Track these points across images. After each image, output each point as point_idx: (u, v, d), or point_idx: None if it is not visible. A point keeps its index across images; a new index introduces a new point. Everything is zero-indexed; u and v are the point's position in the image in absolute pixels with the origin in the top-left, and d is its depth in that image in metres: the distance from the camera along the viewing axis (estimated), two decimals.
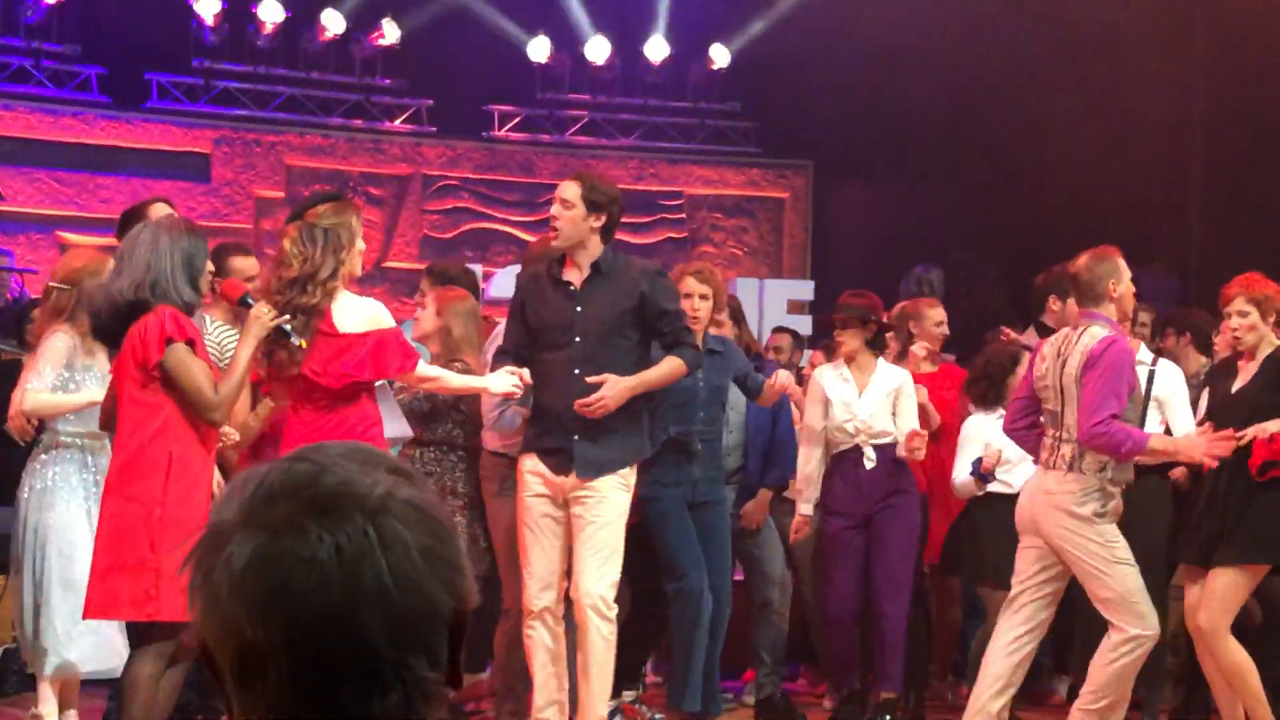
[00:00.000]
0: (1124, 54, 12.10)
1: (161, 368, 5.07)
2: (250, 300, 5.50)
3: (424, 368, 5.90)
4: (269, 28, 12.69)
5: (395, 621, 1.30)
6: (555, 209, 6.22)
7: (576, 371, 6.16)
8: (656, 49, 13.49)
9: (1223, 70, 12.28)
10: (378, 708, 1.32)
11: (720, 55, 13.54)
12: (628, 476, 6.24)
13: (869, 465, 7.37)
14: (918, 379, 7.88)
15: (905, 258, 11.70)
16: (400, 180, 13.24)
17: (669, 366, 6.25)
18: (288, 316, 5.46)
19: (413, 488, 1.36)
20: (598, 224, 6.19)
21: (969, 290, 11.31)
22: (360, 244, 5.67)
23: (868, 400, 7.39)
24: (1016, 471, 7.36)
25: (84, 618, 5.38)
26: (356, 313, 5.58)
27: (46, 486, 6.20)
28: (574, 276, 6.25)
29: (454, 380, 6.04)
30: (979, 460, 7.26)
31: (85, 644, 6.14)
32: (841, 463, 7.41)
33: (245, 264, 7.06)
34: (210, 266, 5.36)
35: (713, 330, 7.18)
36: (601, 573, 6.12)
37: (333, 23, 12.81)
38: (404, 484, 1.36)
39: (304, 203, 5.80)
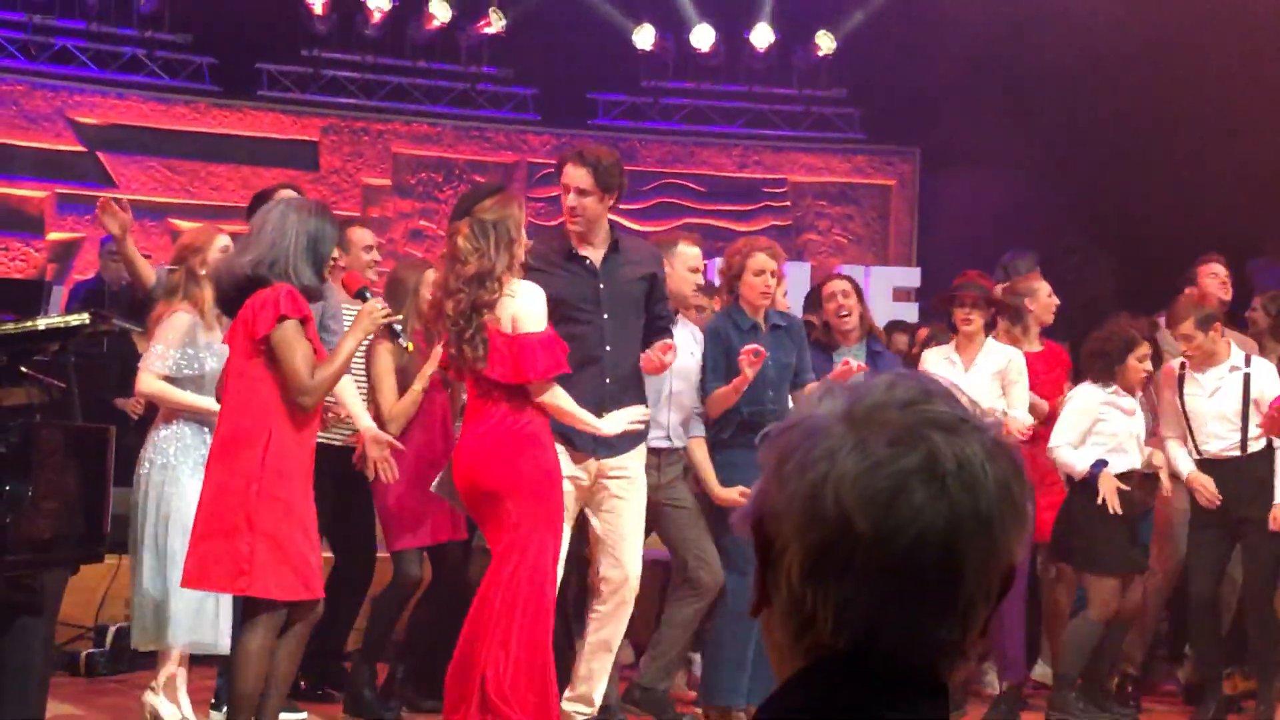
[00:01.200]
0: (1235, 41, 11.91)
1: (268, 342, 5.13)
2: (369, 294, 5.56)
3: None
4: (377, 17, 12.79)
5: (983, 554, 1.32)
6: (572, 199, 6.20)
7: (608, 348, 6.19)
8: (761, 36, 13.44)
9: None
10: (941, 634, 1.33)
11: (825, 41, 13.46)
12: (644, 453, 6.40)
13: None
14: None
15: (1011, 245, 11.52)
16: (506, 168, 13.30)
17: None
18: (399, 317, 5.57)
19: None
20: (612, 202, 6.28)
21: (1080, 278, 11.15)
22: (524, 236, 5.71)
23: (973, 379, 7.36)
24: (1124, 456, 7.31)
25: (181, 586, 5.46)
26: (528, 309, 5.63)
27: (168, 462, 6.26)
28: (591, 253, 6.27)
29: (575, 412, 5.80)
30: (1103, 462, 7.19)
31: (206, 620, 6.20)
32: None
33: (362, 235, 7.16)
34: (336, 252, 5.40)
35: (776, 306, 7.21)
36: (639, 553, 6.33)
37: (440, 11, 12.87)
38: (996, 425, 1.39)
39: (468, 197, 5.85)
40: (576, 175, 6.17)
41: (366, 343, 6.45)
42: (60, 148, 12.21)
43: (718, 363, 6.90)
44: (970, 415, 1.35)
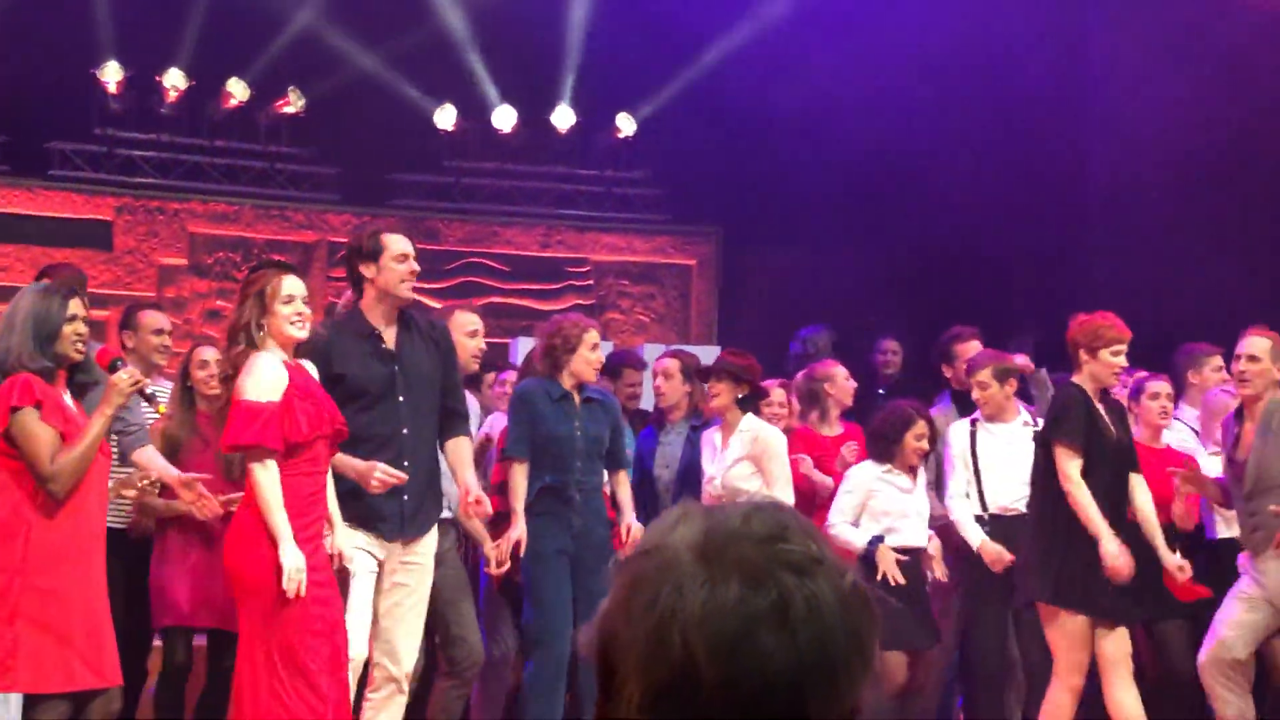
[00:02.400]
0: (1011, 124, 12.32)
1: (7, 436, 5.08)
2: (119, 364, 5.53)
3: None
4: (173, 95, 12.65)
5: (827, 702, 1.30)
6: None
7: (405, 432, 6.16)
8: (563, 117, 13.58)
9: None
10: None
11: (626, 124, 13.64)
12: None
13: None
14: (822, 442, 7.99)
15: (811, 323, 11.72)
16: (306, 247, 13.19)
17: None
18: (147, 382, 5.53)
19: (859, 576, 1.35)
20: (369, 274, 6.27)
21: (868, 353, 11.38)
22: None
23: (729, 456, 7.44)
24: (897, 535, 7.46)
25: None
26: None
27: None
28: (386, 334, 6.25)
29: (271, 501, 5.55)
30: (879, 538, 7.32)
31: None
32: None
33: (152, 319, 7.07)
34: (79, 328, 5.34)
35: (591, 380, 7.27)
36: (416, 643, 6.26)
37: (238, 90, 12.79)
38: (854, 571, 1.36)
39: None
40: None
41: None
42: None
43: (521, 428, 6.94)
44: (825, 555, 1.33)
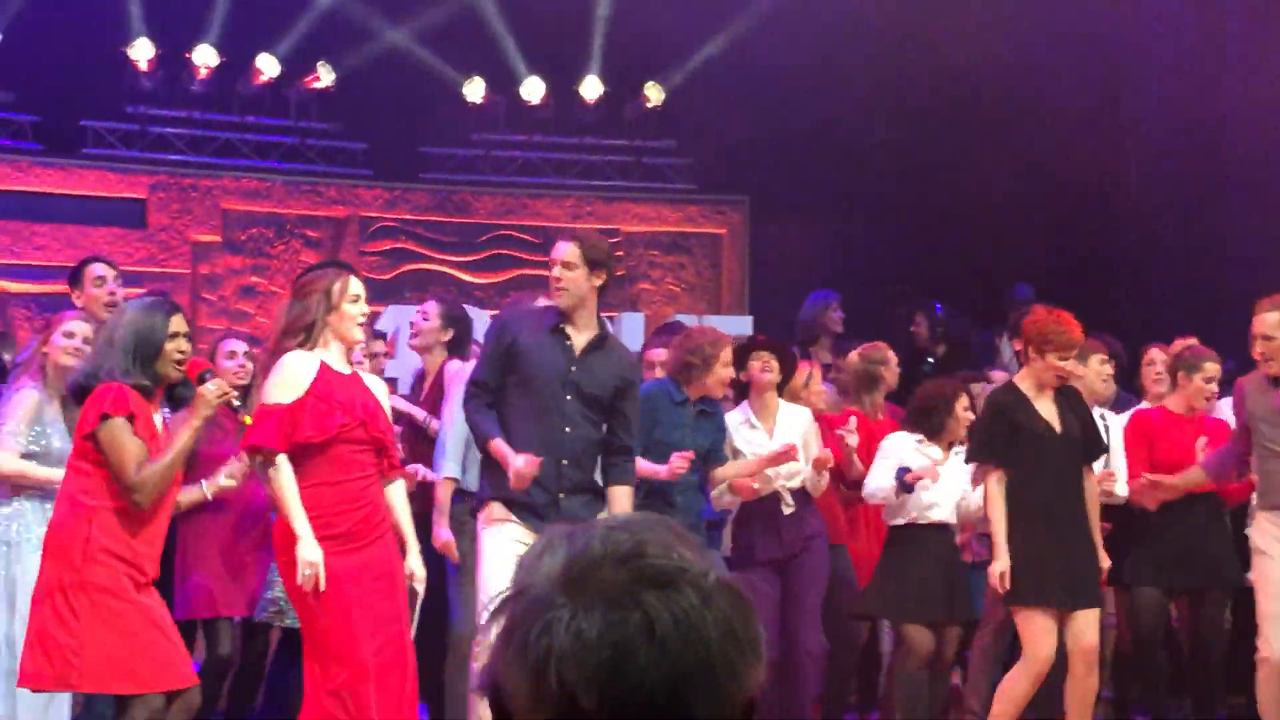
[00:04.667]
0: (1049, 102, 12.29)
1: (94, 440, 5.15)
2: (207, 376, 5.57)
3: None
4: (203, 72, 12.74)
5: (717, 700, 1.31)
6: (557, 271, 6.25)
7: (568, 430, 6.22)
8: (591, 88, 13.62)
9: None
10: None
11: (654, 93, 13.67)
12: None
13: (787, 511, 7.49)
14: (871, 429, 8.09)
15: (841, 291, 11.76)
16: (337, 223, 13.29)
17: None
18: (234, 393, 5.58)
19: (719, 566, 1.41)
20: (599, 283, 6.28)
21: (906, 323, 11.41)
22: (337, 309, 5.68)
23: (783, 439, 7.50)
24: (940, 504, 7.53)
25: (18, 686, 5.40)
26: (271, 380, 5.63)
27: (12, 540, 6.22)
28: (574, 334, 6.29)
29: (290, 502, 5.62)
30: (906, 469, 7.38)
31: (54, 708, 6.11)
32: (759, 508, 7.50)
33: (93, 268, 7.12)
34: (182, 345, 5.41)
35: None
36: None
37: (268, 66, 12.87)
38: (712, 562, 1.38)
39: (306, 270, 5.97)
40: (564, 249, 6.25)
41: None
42: None
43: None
44: (685, 561, 1.34)
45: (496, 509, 6.17)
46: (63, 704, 6.09)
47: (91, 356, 5.38)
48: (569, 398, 6.22)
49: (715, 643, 1.32)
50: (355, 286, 5.69)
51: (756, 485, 7.39)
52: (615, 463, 6.32)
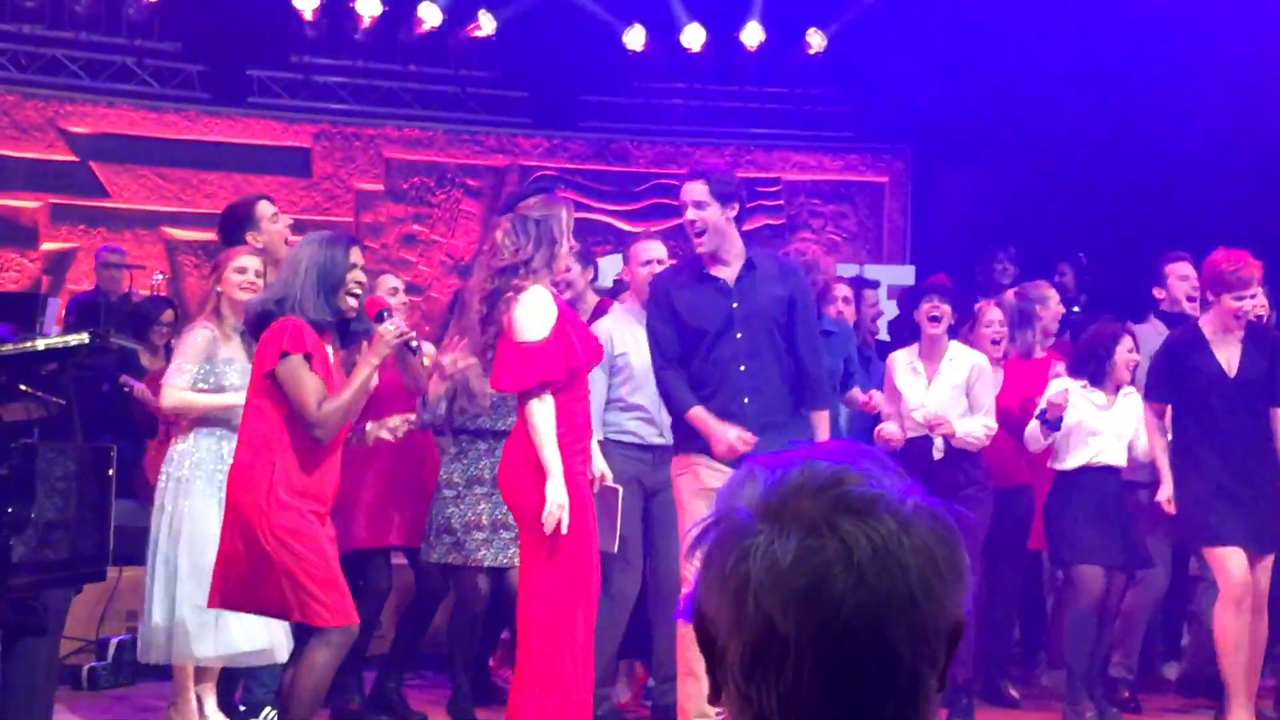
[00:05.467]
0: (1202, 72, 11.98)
1: (274, 377, 5.19)
2: (385, 315, 5.57)
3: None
4: (366, 22, 12.84)
5: (916, 628, 1.33)
6: (690, 213, 6.19)
7: (743, 369, 6.18)
8: (752, 35, 13.51)
9: None
10: (890, 711, 1.34)
11: (816, 39, 13.53)
12: None
13: (937, 456, 7.40)
14: (1030, 367, 7.97)
15: (1002, 242, 11.61)
16: (498, 172, 13.35)
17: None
18: (413, 334, 5.60)
19: (923, 493, 1.39)
20: (733, 214, 6.22)
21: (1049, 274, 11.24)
22: (570, 239, 5.74)
23: (945, 383, 7.43)
24: (1084, 449, 7.41)
25: (209, 606, 5.52)
26: (523, 317, 5.59)
27: (183, 477, 6.36)
28: (724, 273, 6.25)
29: (546, 443, 5.60)
30: (1045, 409, 7.30)
31: (218, 633, 6.26)
32: (909, 452, 7.41)
33: (264, 207, 7.15)
34: (359, 276, 5.43)
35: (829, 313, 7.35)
36: None
37: (429, 15, 12.93)
38: (917, 490, 1.39)
39: (514, 195, 5.90)
40: (691, 189, 6.20)
41: None
42: (52, 158, 12.26)
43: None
44: (885, 489, 1.35)
45: (691, 457, 6.16)
46: (231, 632, 6.22)
47: (275, 287, 5.38)
48: (739, 336, 6.17)
49: (914, 569, 1.32)
50: (571, 221, 5.80)
51: (900, 434, 7.36)
52: (805, 386, 6.27)
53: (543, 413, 5.52)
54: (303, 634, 5.55)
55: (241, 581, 5.22)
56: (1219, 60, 11.94)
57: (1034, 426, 7.39)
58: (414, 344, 5.66)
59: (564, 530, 5.47)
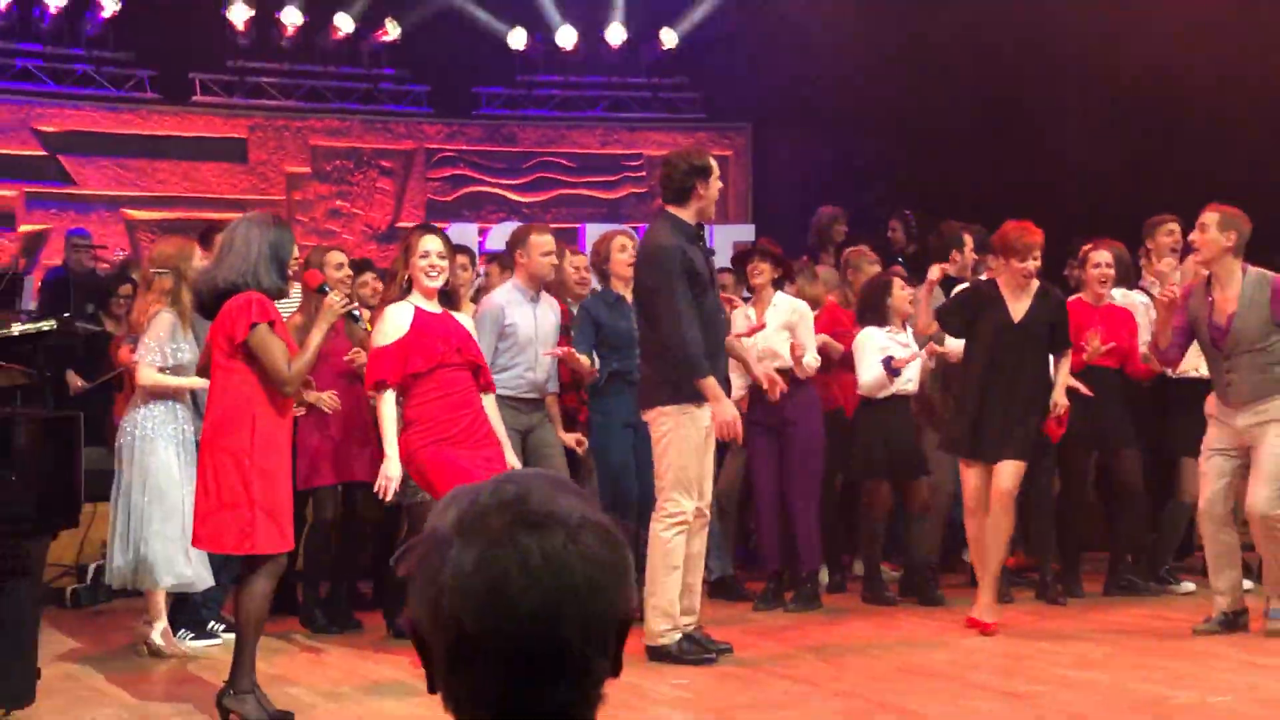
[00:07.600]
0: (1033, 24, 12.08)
1: (245, 345, 5.14)
2: (327, 288, 5.57)
3: None
4: (290, 30, 12.78)
5: (585, 622, 1.34)
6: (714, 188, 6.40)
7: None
8: (615, 34, 13.59)
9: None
10: (563, 694, 1.35)
11: (669, 37, 13.65)
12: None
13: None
14: (845, 318, 8.06)
15: (831, 203, 11.75)
16: (406, 154, 13.36)
17: None
18: (356, 304, 5.63)
19: (594, 510, 1.41)
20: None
21: (883, 229, 11.35)
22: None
23: (771, 325, 7.47)
24: (912, 378, 7.63)
25: (194, 546, 5.52)
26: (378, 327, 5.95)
27: (146, 434, 6.39)
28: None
29: (386, 431, 5.89)
30: (890, 359, 7.42)
31: (180, 564, 6.34)
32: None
33: (334, 256, 7.12)
34: (295, 253, 5.40)
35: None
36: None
37: (344, 23, 12.91)
38: (589, 507, 1.41)
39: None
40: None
41: None
42: (26, 153, 12.13)
43: (585, 334, 7.12)
44: (559, 507, 1.39)
45: (684, 405, 6.09)
46: (182, 565, 6.31)
47: (228, 265, 5.18)
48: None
49: (580, 573, 1.33)
50: (425, 244, 5.89)
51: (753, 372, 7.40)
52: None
53: (380, 408, 5.86)
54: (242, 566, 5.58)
55: (227, 526, 5.17)
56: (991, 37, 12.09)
57: (879, 372, 7.48)
58: (355, 313, 5.62)
59: (388, 497, 5.85)
